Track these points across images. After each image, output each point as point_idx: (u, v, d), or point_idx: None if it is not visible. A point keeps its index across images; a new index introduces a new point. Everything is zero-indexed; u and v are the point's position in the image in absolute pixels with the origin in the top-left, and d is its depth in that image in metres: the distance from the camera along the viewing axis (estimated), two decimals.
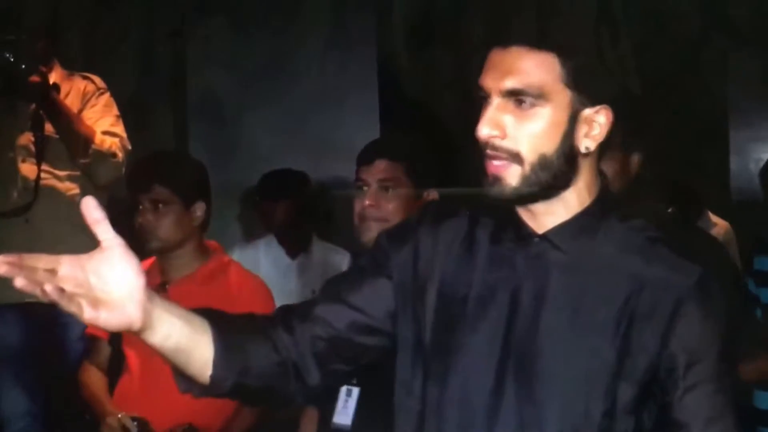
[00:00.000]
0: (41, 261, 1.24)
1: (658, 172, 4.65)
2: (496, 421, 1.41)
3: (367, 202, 2.28)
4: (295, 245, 3.82)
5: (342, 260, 3.72)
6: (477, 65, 1.44)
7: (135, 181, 2.69)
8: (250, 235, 4.16)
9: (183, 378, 1.44)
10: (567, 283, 1.43)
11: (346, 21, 4.51)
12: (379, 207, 2.28)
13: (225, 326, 1.45)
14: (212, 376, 1.42)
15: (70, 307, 1.24)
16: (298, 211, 3.80)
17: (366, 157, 2.35)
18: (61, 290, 1.23)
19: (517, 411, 1.40)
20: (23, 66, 2.95)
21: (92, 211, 1.27)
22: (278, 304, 2.38)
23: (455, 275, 1.49)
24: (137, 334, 1.34)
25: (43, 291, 1.21)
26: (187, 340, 1.39)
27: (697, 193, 4.28)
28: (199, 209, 2.65)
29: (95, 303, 1.27)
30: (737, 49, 5.08)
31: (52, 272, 1.24)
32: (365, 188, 2.30)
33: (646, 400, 1.41)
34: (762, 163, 4.38)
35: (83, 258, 1.27)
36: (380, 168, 2.30)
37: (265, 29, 4.49)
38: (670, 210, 4.18)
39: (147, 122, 4.50)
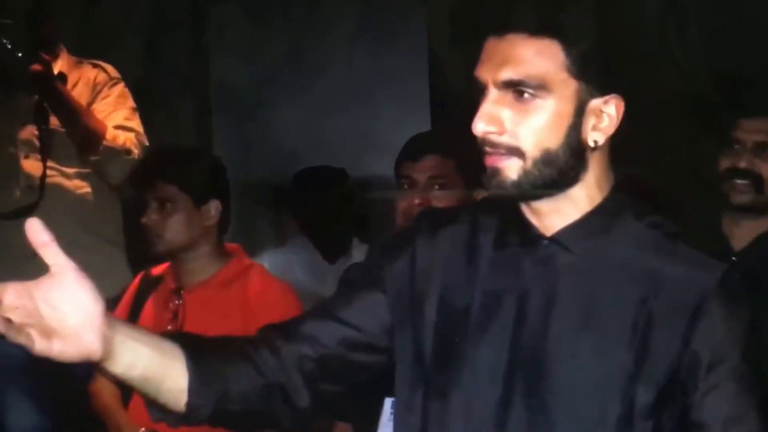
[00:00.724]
0: None
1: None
2: None
3: (416, 201, 2.28)
4: (333, 249, 3.77)
5: None
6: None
7: (138, 177, 2.69)
8: (282, 239, 4.12)
9: (155, 407, 1.44)
10: (578, 287, 1.43)
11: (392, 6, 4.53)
12: (429, 205, 2.27)
13: (200, 350, 1.45)
14: (188, 404, 1.42)
15: (18, 339, 1.23)
16: (336, 211, 3.75)
17: (413, 153, 2.35)
18: (8, 321, 1.23)
19: (528, 422, 1.41)
20: (21, 53, 2.91)
21: (38, 233, 1.27)
22: None
23: (456, 285, 1.50)
24: (98, 364, 1.34)
25: None
26: (156, 367, 1.39)
27: None
28: (212, 208, 2.63)
29: (47, 333, 1.26)
30: None
31: None
32: (411, 187, 2.31)
33: (666, 403, 1.41)
34: None
35: (31, 285, 1.27)
36: (430, 164, 2.30)
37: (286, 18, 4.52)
38: None
39: (166, 116, 4.45)
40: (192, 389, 1.42)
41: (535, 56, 1.40)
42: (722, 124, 2.73)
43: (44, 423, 3.16)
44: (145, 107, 3.33)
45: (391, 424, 2.24)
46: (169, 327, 2.59)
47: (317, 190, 3.78)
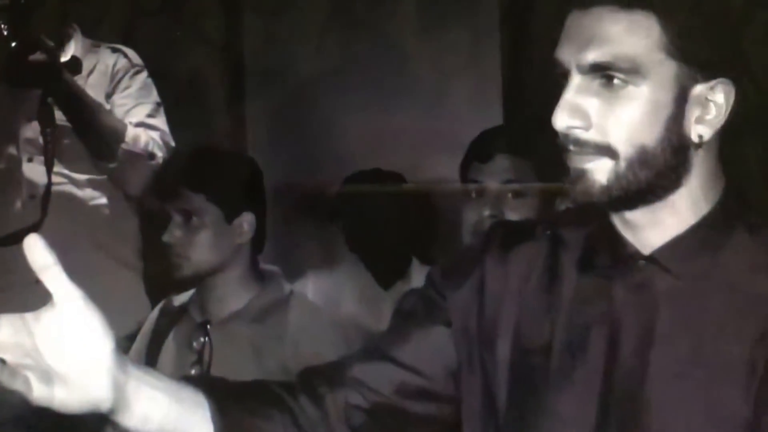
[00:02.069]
0: None
1: None
2: None
3: (487, 213, 2.31)
4: (389, 271, 3.77)
5: None
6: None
7: (161, 186, 2.68)
8: (329, 259, 4.15)
9: None
10: (682, 318, 1.41)
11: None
12: (502, 217, 2.32)
13: (227, 398, 1.46)
14: None
15: (12, 384, 1.23)
16: (393, 225, 3.75)
17: (482, 153, 2.38)
18: (0, 362, 1.23)
19: None
20: (19, 41, 2.91)
21: (38, 254, 1.26)
22: None
23: (534, 316, 1.49)
24: (108, 416, 1.33)
25: None
26: (175, 420, 1.39)
27: None
28: (245, 222, 2.63)
29: (47, 377, 1.25)
30: None
31: None
32: (480, 194, 2.35)
33: None
34: None
35: (29, 318, 1.26)
36: (502, 166, 2.34)
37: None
38: None
39: (196, 112, 4.55)
40: None
41: (626, 33, 1.38)
42: None
43: None
44: (171, 101, 3.37)
45: None
46: (193, 370, 2.58)
47: (370, 200, 3.80)
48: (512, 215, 2.32)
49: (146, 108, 3.17)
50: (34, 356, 1.26)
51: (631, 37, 1.38)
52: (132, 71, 3.20)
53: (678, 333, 1.42)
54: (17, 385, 1.24)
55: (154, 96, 3.22)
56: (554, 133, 1.43)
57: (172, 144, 3.19)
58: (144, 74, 3.23)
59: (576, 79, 1.41)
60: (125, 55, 3.23)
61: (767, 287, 1.41)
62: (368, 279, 3.79)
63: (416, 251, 3.86)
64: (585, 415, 1.43)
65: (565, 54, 1.42)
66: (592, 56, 1.39)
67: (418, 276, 3.78)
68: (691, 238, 1.44)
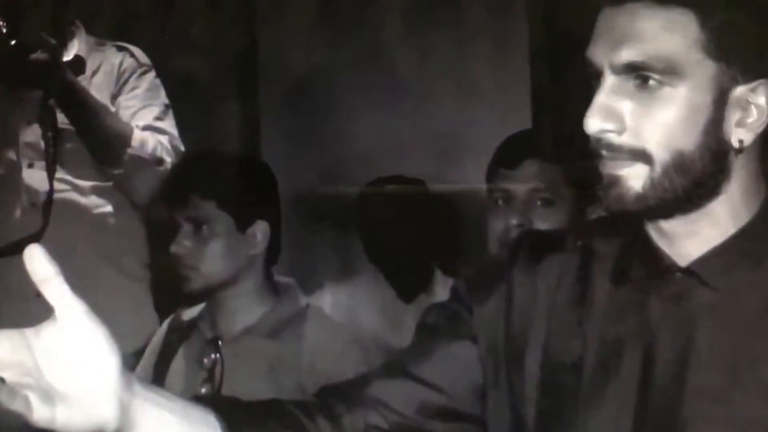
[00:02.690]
0: None
1: None
2: None
3: (514, 222, 2.35)
4: (410, 283, 3.79)
5: None
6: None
7: (169, 192, 2.70)
8: (347, 270, 4.18)
9: None
10: (722, 333, 1.43)
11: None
12: (531, 226, 2.37)
13: (239, 419, 1.47)
14: None
15: (11, 405, 1.23)
16: (414, 235, 3.77)
17: (509, 158, 2.42)
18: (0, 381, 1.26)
19: None
20: (19, 40, 2.95)
21: (39, 265, 1.26)
22: None
23: (565, 331, 1.51)
24: None
25: None
26: None
27: None
28: (259, 231, 2.65)
29: (49, 397, 1.26)
30: None
31: None
32: (506, 202, 2.39)
33: None
34: None
35: (29, 333, 1.27)
36: (531, 172, 2.38)
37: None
38: None
39: (207, 115, 4.59)
40: None
41: (663, 31, 1.40)
42: None
43: None
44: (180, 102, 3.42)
45: None
46: (203, 389, 2.60)
47: (390, 208, 3.82)
48: (541, 224, 2.35)
49: (154, 110, 3.22)
50: (34, 374, 1.27)
51: (668, 34, 1.40)
52: (139, 71, 3.24)
53: (718, 349, 1.43)
54: (17, 406, 1.25)
55: (163, 97, 3.26)
56: (586, 137, 1.44)
57: (182, 148, 3.23)
58: (152, 74, 3.26)
59: (609, 80, 1.43)
60: (132, 54, 3.27)
61: None
62: (389, 292, 3.79)
63: (439, 262, 3.86)
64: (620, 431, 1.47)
65: (598, 53, 1.44)
66: (626, 55, 1.41)
67: (441, 289, 3.77)
68: (730, 250, 1.46)
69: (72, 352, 1.29)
